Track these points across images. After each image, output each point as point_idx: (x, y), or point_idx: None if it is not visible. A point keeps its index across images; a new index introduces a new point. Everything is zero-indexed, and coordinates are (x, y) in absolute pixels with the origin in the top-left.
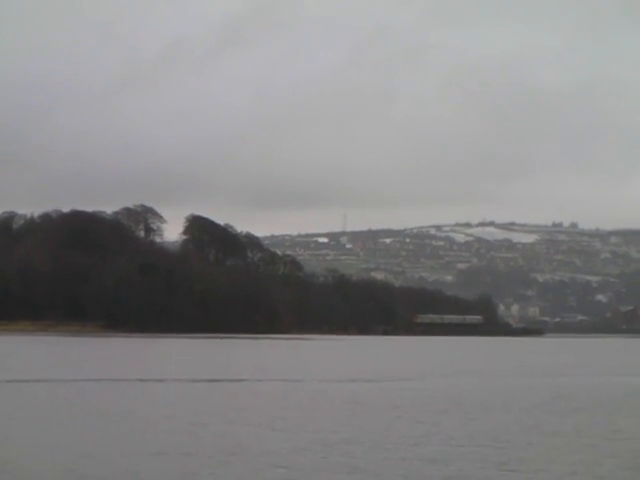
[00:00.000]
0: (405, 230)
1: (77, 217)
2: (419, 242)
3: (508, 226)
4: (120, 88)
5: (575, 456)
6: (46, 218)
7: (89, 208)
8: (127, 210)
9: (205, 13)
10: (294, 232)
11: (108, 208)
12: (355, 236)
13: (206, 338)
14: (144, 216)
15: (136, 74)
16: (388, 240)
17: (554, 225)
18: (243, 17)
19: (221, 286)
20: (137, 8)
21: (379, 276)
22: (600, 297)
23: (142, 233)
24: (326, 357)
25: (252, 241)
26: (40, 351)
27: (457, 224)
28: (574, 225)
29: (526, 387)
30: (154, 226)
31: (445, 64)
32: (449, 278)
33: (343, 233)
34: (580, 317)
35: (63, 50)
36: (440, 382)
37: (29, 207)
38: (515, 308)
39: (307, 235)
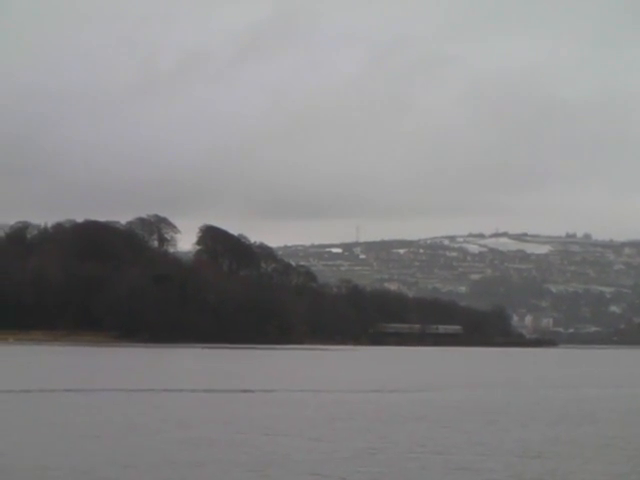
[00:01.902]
0: (419, 241)
1: (90, 227)
2: (432, 253)
3: (521, 237)
4: (137, 97)
5: (605, 467)
6: (59, 228)
7: (102, 218)
8: (141, 220)
9: (225, 23)
10: (307, 242)
11: (122, 218)
12: (369, 246)
13: (219, 348)
14: (158, 226)
15: (153, 83)
16: (402, 251)
17: (567, 236)
18: (262, 28)
19: (234, 296)
20: (158, 17)
21: (392, 286)
22: (614, 308)
23: (155, 243)
24: (345, 368)
25: (266, 251)
26: (58, 361)
27: (470, 235)
28: (587, 236)
29: (550, 398)
30: (168, 236)
31: (463, 75)
32: (463, 289)
33: (357, 244)
34: (594, 328)
35: (80, 59)
36: (461, 393)
37: (42, 217)
38: (529, 319)
39: (320, 245)
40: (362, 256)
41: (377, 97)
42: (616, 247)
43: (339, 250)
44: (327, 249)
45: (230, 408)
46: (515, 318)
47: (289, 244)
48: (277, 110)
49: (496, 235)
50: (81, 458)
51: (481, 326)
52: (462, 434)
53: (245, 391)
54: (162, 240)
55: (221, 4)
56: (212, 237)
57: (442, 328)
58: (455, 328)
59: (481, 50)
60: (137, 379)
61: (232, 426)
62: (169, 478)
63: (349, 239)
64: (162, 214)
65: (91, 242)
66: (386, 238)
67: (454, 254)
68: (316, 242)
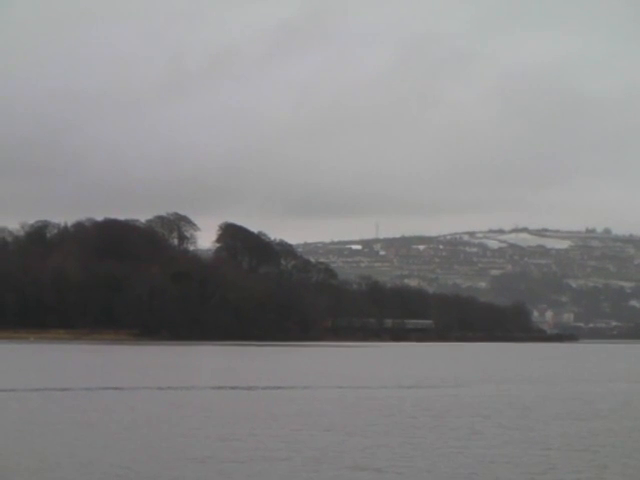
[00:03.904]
0: (438, 237)
1: (110, 226)
2: (452, 249)
3: (541, 232)
4: (163, 96)
5: None
6: (79, 227)
7: (122, 217)
8: (160, 218)
9: (253, 22)
10: (327, 239)
11: (141, 216)
12: (388, 243)
13: (240, 346)
14: (177, 224)
15: (180, 82)
16: (422, 247)
17: (587, 231)
18: (290, 25)
19: (254, 294)
20: (185, 16)
21: (413, 283)
22: (634, 303)
23: (175, 241)
24: (372, 364)
25: (285, 249)
26: (85, 360)
27: (490, 231)
28: (607, 231)
29: (582, 393)
30: (187, 234)
31: (490, 71)
32: (483, 284)
33: (376, 240)
34: (614, 323)
35: (107, 58)
36: (494, 388)
37: (62, 216)
38: (549, 314)
39: (340, 242)
40: (382, 252)
41: (403, 94)
42: (636, 242)
43: (359, 247)
44: (347, 246)
45: (267, 404)
46: (535, 313)
47: (309, 241)
48: (302, 108)
49: (516, 231)
50: (135, 455)
51: (502, 322)
52: (503, 429)
53: (278, 388)
54: (182, 238)
55: (249, 2)
56: (232, 235)
57: (411, 323)
58: (426, 323)
59: (508, 46)
60: (166, 377)
61: (274, 422)
62: (218, 473)
63: (369, 236)
64: (182, 212)
65: (111, 241)
66: (406, 234)
67: (474, 250)
68: (336, 239)
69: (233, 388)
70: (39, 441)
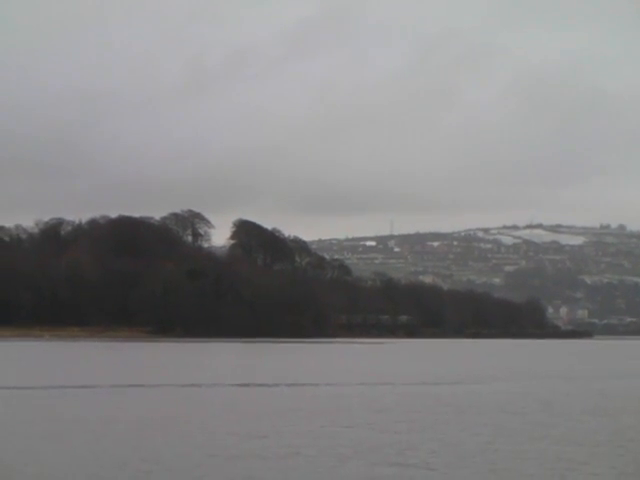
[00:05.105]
0: (453, 233)
1: (125, 223)
2: (467, 245)
3: (556, 228)
4: (181, 95)
5: None
6: (94, 224)
7: (137, 214)
8: (175, 215)
9: (271, 22)
10: (342, 236)
11: (156, 214)
12: (403, 239)
13: (255, 342)
14: (191, 221)
15: (199, 81)
16: (436, 243)
17: (602, 227)
18: (309, 24)
19: (269, 291)
20: (204, 15)
21: (427, 279)
22: None
23: (190, 238)
24: (390, 361)
25: (300, 245)
26: (106, 357)
27: (505, 227)
28: (622, 227)
29: (600, 389)
30: (202, 231)
31: (506, 69)
32: (497, 281)
33: (391, 237)
34: (629, 319)
35: (127, 58)
36: (516, 384)
37: (77, 213)
38: (563, 310)
39: (355, 239)
40: (396, 249)
41: (419, 92)
42: None
43: (373, 243)
44: (361, 242)
45: (292, 401)
46: (550, 309)
47: (323, 238)
48: (318, 106)
49: (530, 227)
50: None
51: (516, 318)
52: (529, 424)
53: (302, 385)
54: (196, 235)
55: (267, 2)
56: (246, 231)
57: (386, 319)
58: (407, 318)
59: (525, 43)
60: (188, 374)
61: (300, 419)
62: (245, 470)
63: (383, 232)
64: (196, 209)
65: (125, 238)
66: (420, 231)
67: (488, 246)
68: (350, 235)
69: (259, 385)
70: (66, 439)
